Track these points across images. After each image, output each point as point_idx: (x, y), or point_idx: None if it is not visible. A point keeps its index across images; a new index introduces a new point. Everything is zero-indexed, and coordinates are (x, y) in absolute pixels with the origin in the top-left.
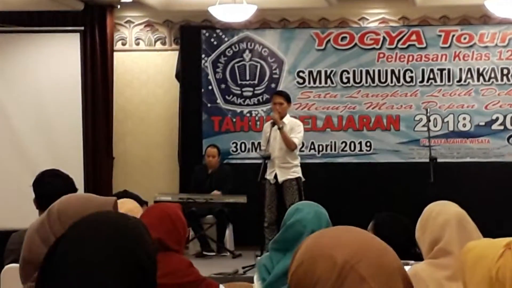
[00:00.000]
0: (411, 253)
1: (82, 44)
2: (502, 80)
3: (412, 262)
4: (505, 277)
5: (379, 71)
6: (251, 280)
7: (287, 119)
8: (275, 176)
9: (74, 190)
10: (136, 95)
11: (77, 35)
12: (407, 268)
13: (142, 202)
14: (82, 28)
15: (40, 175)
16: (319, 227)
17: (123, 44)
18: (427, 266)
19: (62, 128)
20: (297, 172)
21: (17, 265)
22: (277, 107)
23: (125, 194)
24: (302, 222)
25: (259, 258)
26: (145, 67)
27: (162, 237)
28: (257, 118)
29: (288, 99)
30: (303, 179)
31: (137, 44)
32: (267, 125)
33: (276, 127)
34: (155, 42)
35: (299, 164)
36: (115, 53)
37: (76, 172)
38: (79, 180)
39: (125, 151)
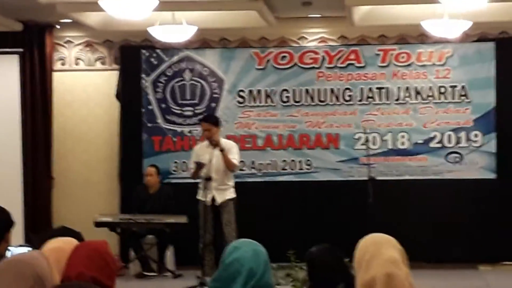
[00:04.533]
0: None
1: (21, 66)
2: (439, 98)
3: None
4: None
5: (318, 90)
6: None
7: (221, 141)
8: (212, 199)
9: (11, 223)
10: (77, 115)
11: (16, 57)
12: None
13: (80, 239)
14: (21, 49)
15: None
16: (257, 265)
17: (63, 64)
18: None
19: (0, 148)
20: (233, 193)
21: None
22: (206, 133)
23: (64, 230)
24: (240, 261)
25: None
26: (85, 86)
27: (95, 275)
28: (197, 137)
29: (215, 123)
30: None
31: (77, 64)
32: (201, 146)
33: (216, 149)
34: (95, 61)
35: (234, 185)
36: (55, 73)
37: (15, 192)
38: (17, 201)
39: (65, 171)
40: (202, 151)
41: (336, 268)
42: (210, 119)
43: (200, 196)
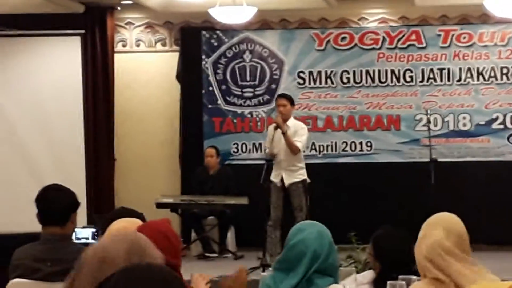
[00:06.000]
0: (411, 270)
1: (83, 47)
2: (501, 79)
3: (414, 277)
4: None
5: (379, 71)
6: (253, 283)
7: (291, 122)
8: (281, 179)
9: (77, 204)
10: (137, 96)
11: (78, 38)
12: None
13: (139, 216)
14: (83, 31)
15: (42, 190)
16: (321, 247)
17: (124, 46)
18: (426, 285)
19: (63, 130)
20: (303, 175)
21: (22, 280)
22: (281, 109)
23: (122, 211)
24: (305, 243)
25: (262, 275)
26: (145, 68)
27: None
28: (258, 119)
29: (291, 101)
30: (308, 181)
31: (138, 45)
32: (271, 127)
33: (279, 130)
34: (156, 43)
35: (304, 167)
36: (115, 55)
37: (77, 174)
38: (81, 182)
39: (126, 152)
40: (273, 131)
41: (406, 249)
42: (287, 96)
43: (272, 176)
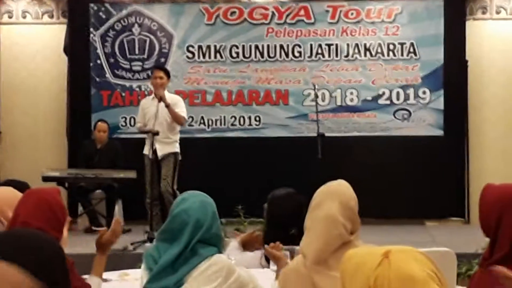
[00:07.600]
0: (290, 234)
1: None
2: (388, 55)
3: (297, 248)
4: (382, 286)
5: (268, 46)
6: (141, 256)
7: (167, 95)
8: (155, 151)
9: None
10: (24, 68)
11: None
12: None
13: (25, 188)
14: None
15: None
16: (204, 216)
17: (10, 17)
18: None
19: None
20: (176, 148)
21: None
22: (157, 81)
23: (9, 182)
24: (188, 212)
25: (147, 245)
26: (32, 40)
27: (42, 226)
28: (146, 92)
29: (168, 74)
30: (180, 157)
31: (24, 17)
32: (146, 99)
33: (161, 103)
34: (43, 15)
35: (178, 140)
36: (1, 26)
37: None
38: None
39: (12, 125)
40: (148, 104)
41: (292, 212)
42: (164, 68)
43: (145, 150)
